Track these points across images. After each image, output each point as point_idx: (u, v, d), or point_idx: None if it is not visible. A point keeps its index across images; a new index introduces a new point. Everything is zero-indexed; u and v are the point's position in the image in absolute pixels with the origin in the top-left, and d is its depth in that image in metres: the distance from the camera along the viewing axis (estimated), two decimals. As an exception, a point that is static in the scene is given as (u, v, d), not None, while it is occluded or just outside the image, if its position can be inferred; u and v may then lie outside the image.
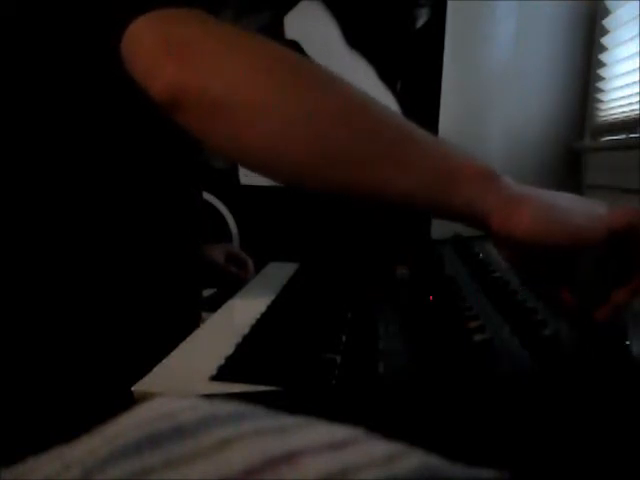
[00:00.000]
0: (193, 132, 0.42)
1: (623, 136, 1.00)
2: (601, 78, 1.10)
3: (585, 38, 1.15)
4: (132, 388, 0.39)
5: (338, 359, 0.42)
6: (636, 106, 0.94)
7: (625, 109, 1.00)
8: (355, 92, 0.44)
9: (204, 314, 0.66)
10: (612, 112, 1.06)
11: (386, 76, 1.15)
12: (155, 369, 0.42)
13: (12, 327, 0.47)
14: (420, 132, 0.42)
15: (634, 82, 0.96)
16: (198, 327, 0.54)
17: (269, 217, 1.26)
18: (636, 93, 0.95)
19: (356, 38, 1.14)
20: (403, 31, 1.15)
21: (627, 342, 0.37)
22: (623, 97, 1.02)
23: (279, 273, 0.77)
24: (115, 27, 0.42)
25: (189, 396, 0.26)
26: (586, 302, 0.41)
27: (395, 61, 1.17)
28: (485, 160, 0.42)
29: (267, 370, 0.41)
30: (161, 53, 0.41)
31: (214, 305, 0.62)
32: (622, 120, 1.00)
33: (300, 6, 1.06)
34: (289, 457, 0.20)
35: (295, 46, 1.11)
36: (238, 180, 1.24)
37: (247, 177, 1.24)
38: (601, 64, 1.10)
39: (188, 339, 0.50)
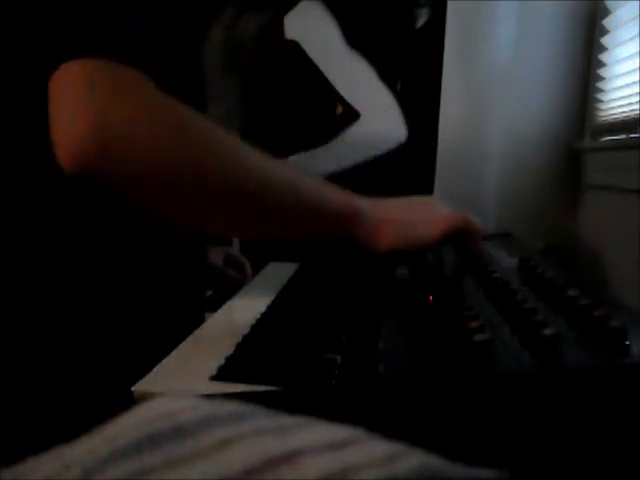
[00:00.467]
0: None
1: (623, 136, 1.00)
2: (601, 78, 1.10)
3: (585, 38, 1.15)
4: (132, 388, 0.39)
5: (338, 359, 0.42)
6: (636, 106, 0.94)
7: (625, 109, 1.00)
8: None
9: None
10: (612, 112, 1.06)
11: (386, 76, 1.15)
12: (155, 369, 0.42)
13: (13, 327, 0.47)
14: (309, 182, 0.52)
15: (634, 82, 0.96)
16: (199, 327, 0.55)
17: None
18: (636, 93, 0.95)
19: (356, 38, 1.14)
20: (403, 31, 1.15)
21: (627, 342, 0.37)
22: (623, 97, 1.02)
23: (279, 273, 0.77)
24: (47, 65, 0.42)
25: (189, 396, 0.26)
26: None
27: (395, 61, 1.17)
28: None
29: (267, 370, 0.41)
30: (79, 107, 0.40)
31: (211, 307, 0.62)
32: (622, 120, 1.00)
33: (300, 6, 1.06)
34: (289, 457, 0.20)
35: (295, 46, 1.11)
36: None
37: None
38: (601, 64, 1.10)
39: (188, 339, 0.50)
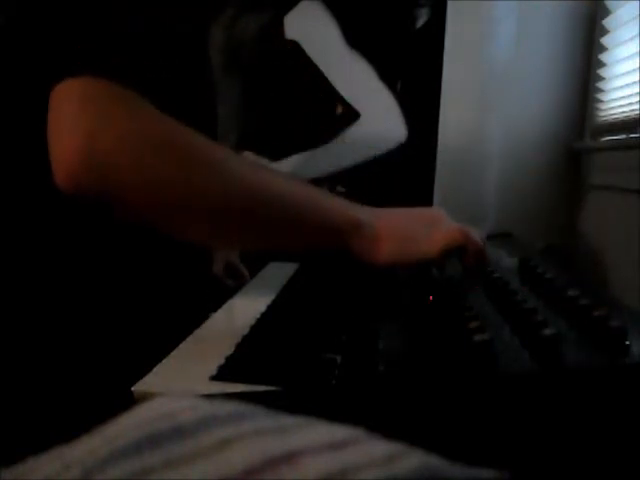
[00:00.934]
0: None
1: (623, 136, 0.99)
2: (601, 78, 1.10)
3: (585, 38, 1.15)
4: (132, 388, 0.39)
5: (338, 359, 0.42)
6: (636, 106, 0.94)
7: (625, 109, 1.00)
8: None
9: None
10: (612, 112, 1.06)
11: (386, 76, 1.15)
12: (155, 369, 0.42)
13: (13, 327, 0.47)
14: (307, 194, 0.52)
15: (634, 82, 0.96)
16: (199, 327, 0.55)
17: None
18: (636, 93, 0.95)
19: (356, 38, 1.14)
20: (403, 31, 1.15)
21: (627, 342, 0.37)
22: (623, 97, 1.01)
23: (279, 273, 0.77)
24: (49, 79, 0.42)
25: (189, 396, 0.26)
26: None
27: (395, 61, 1.17)
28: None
29: (267, 370, 0.41)
30: (72, 126, 0.41)
31: (209, 309, 0.62)
32: (622, 120, 1.00)
33: (300, 6, 1.06)
34: (289, 457, 0.20)
35: (295, 46, 1.11)
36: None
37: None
38: (601, 64, 1.10)
39: (188, 339, 0.50)
